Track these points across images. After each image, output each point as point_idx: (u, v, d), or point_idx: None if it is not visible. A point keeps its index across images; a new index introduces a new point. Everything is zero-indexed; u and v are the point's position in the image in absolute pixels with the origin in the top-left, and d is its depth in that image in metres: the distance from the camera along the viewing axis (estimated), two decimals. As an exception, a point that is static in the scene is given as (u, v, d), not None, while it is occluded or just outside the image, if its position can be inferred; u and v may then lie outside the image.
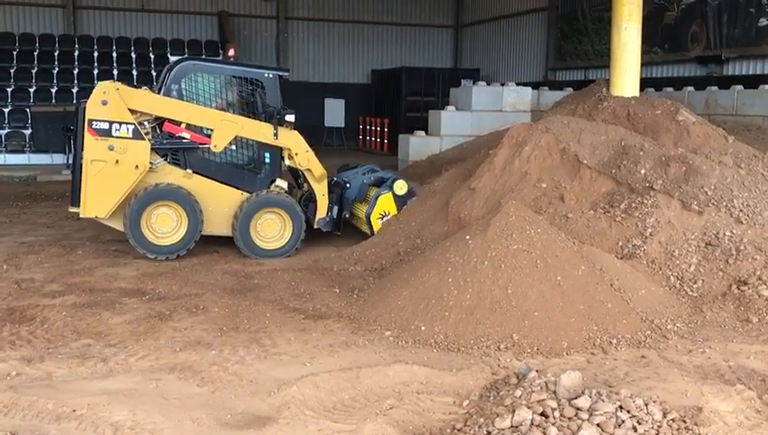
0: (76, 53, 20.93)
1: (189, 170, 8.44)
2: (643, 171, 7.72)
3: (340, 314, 6.36)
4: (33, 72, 19.91)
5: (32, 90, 19.20)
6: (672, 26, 16.92)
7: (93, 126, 8.06)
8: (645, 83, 11.77)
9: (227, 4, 23.71)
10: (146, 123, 8.33)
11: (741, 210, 7.10)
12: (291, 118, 8.49)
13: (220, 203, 8.51)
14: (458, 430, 4.03)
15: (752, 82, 13.22)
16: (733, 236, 6.87)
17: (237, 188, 8.57)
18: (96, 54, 21.00)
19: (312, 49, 25.27)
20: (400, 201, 9.02)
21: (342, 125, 24.52)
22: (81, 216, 8.25)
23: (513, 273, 5.81)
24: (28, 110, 18.26)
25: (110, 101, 8.07)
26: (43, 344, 5.56)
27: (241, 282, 7.48)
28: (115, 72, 20.27)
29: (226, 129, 8.39)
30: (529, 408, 3.98)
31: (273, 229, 8.58)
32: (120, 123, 8.09)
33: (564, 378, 4.17)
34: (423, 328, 5.72)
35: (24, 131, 18.15)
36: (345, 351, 5.48)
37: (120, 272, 7.81)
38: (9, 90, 18.92)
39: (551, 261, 5.94)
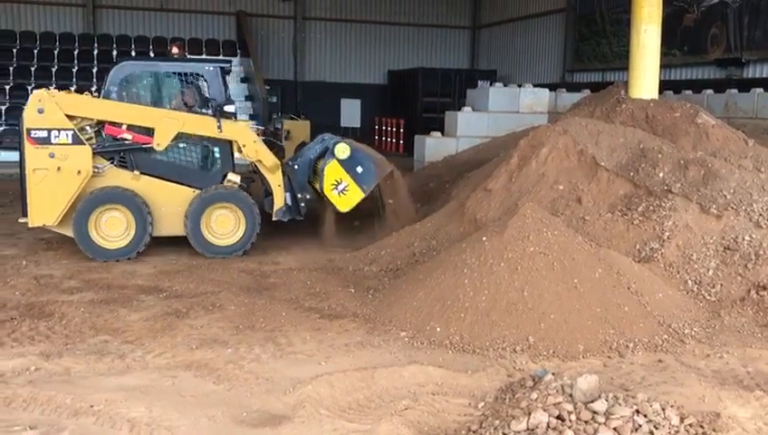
0: (95, 52, 21.12)
1: (137, 172, 8.37)
2: (661, 174, 7.66)
3: (355, 314, 6.37)
4: (54, 70, 20.10)
5: (51, 88, 19.35)
6: (691, 28, 16.79)
7: (32, 135, 8.00)
8: (663, 86, 11.68)
9: (245, 5, 23.82)
10: (87, 128, 8.33)
11: (760, 214, 7.03)
12: (230, 108, 8.36)
13: (172, 203, 8.40)
14: (473, 432, 4.02)
15: (772, 85, 13.09)
16: (752, 241, 6.80)
17: (189, 185, 8.46)
18: (115, 53, 21.15)
19: (328, 49, 25.33)
20: (349, 164, 8.51)
21: (358, 125, 24.57)
22: (29, 226, 8.17)
23: (530, 275, 5.79)
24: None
25: (45, 108, 8.01)
26: (62, 340, 5.62)
27: (257, 280, 7.51)
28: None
29: (168, 126, 8.25)
30: (545, 411, 3.96)
31: (227, 225, 8.45)
32: (59, 130, 8.02)
33: (581, 381, 4.15)
34: (438, 329, 5.71)
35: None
36: (360, 351, 5.49)
37: (137, 269, 7.87)
38: (29, 87, 19.07)
39: (567, 263, 5.91)
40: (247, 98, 21.14)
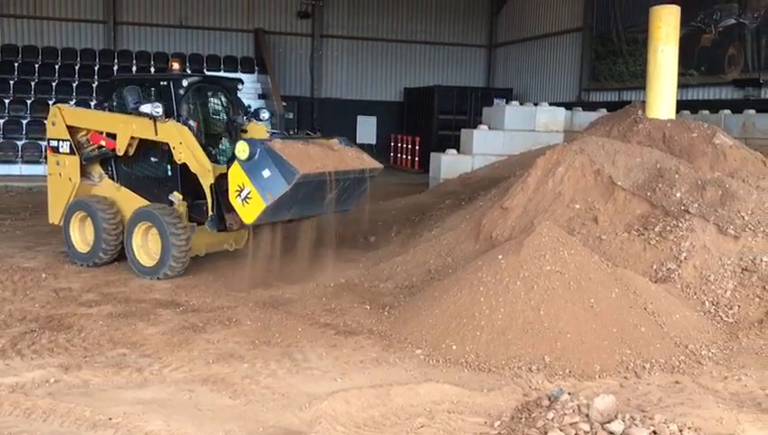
0: (115, 68, 21.41)
1: (118, 183, 8.74)
2: (678, 194, 7.65)
3: (370, 331, 6.38)
4: (74, 85, 20.40)
5: (72, 102, 19.65)
6: (709, 48, 16.79)
7: (50, 144, 9.03)
8: (680, 106, 11.68)
9: (263, 22, 24.08)
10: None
11: (779, 236, 7.00)
12: (145, 108, 7.87)
13: None
14: (489, 451, 4.02)
15: (790, 105, 13.06)
16: (770, 262, 6.76)
17: (150, 200, 8.42)
18: (135, 69, 21.44)
19: (345, 66, 25.53)
20: (251, 167, 7.23)
21: (374, 142, 24.69)
22: (49, 222, 9.20)
23: (546, 294, 5.79)
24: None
25: (56, 121, 8.89)
26: (81, 352, 5.68)
27: (273, 296, 7.53)
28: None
29: (124, 130, 8.36)
30: (561, 430, 3.97)
31: (157, 245, 8.08)
32: (63, 141, 8.87)
33: (598, 401, 4.15)
34: (454, 347, 5.71)
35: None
36: (376, 368, 5.50)
37: (154, 284, 7.93)
38: (50, 102, 19.38)
39: (584, 283, 5.90)
40: (264, 114, 21.31)
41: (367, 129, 24.74)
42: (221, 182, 7.75)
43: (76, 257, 8.69)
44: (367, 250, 9.48)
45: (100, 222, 8.40)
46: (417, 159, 22.61)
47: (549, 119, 14.50)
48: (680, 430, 4.06)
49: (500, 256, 6.25)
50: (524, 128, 14.28)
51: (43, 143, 18.17)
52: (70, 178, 8.82)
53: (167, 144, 8.09)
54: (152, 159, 8.48)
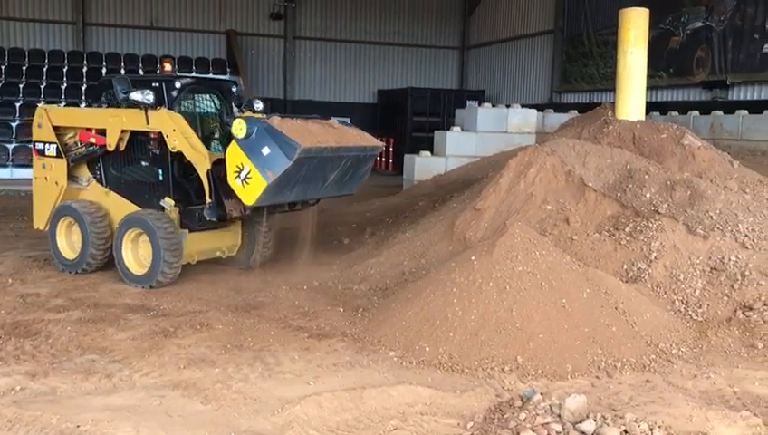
0: (84, 69, 21.13)
1: (107, 188, 8.44)
2: (648, 195, 7.74)
3: (344, 334, 6.35)
4: (42, 87, 20.08)
5: (40, 104, 19.31)
6: (677, 51, 17.04)
7: (36, 147, 8.77)
8: (650, 107, 11.83)
9: (235, 23, 23.93)
10: (80, 142, 8.65)
11: (746, 235, 7.10)
12: (136, 96, 7.58)
13: None
14: (462, 453, 4.02)
15: (757, 107, 13.30)
16: (738, 261, 6.86)
17: (140, 206, 8.14)
18: (104, 71, 21.17)
19: (318, 68, 25.47)
20: (250, 145, 6.93)
21: (348, 144, 24.62)
22: (34, 227, 8.93)
23: (518, 294, 5.81)
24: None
25: (42, 123, 8.64)
26: (48, 359, 5.57)
27: (245, 299, 7.47)
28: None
29: (114, 124, 8.05)
30: (534, 431, 3.98)
31: (148, 253, 7.77)
32: (49, 143, 8.59)
33: (569, 401, 4.17)
34: (427, 349, 5.71)
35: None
36: (349, 371, 5.48)
37: (125, 288, 7.81)
38: (18, 105, 19.08)
39: (555, 283, 5.94)
40: (236, 116, 21.19)
41: (340, 131, 24.69)
42: (218, 169, 7.44)
43: (63, 264, 8.39)
44: (341, 252, 9.45)
45: (88, 228, 8.12)
46: (390, 160, 22.63)
47: (521, 120, 14.59)
48: (651, 429, 4.10)
49: (473, 258, 6.26)
50: (497, 129, 14.36)
51: (11, 146, 18.15)
52: (56, 182, 8.52)
53: (159, 147, 7.90)
54: (143, 163, 8.22)
